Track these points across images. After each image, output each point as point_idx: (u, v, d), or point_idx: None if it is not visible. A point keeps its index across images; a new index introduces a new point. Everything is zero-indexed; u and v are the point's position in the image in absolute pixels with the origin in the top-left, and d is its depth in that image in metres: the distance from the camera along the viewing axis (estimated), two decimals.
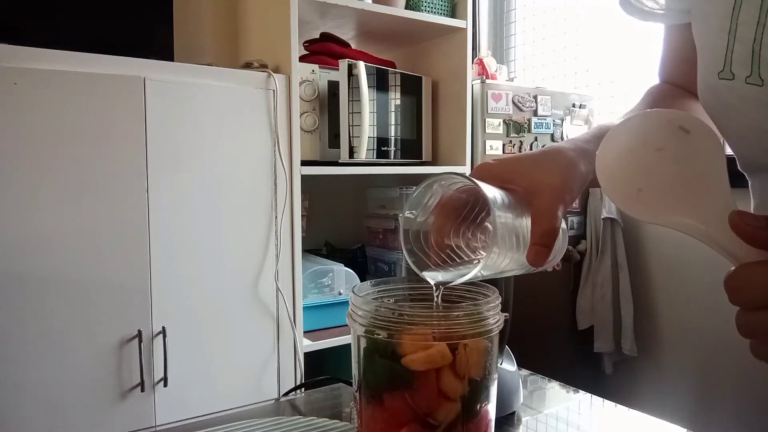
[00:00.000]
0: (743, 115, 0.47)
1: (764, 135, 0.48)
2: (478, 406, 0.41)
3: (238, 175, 1.41)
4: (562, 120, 2.22)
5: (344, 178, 1.98)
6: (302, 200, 1.54)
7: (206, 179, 1.36)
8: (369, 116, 1.60)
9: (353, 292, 0.44)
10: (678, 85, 0.67)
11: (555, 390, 0.68)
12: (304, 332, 1.54)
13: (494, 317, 0.42)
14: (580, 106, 2.22)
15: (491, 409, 0.43)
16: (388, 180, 1.93)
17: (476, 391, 0.41)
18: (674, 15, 0.61)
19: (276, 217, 1.47)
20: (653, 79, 0.73)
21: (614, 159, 0.39)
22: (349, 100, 1.58)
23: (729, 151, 0.52)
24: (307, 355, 1.53)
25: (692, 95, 0.63)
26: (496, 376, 0.43)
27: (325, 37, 1.74)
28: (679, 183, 0.37)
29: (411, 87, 1.78)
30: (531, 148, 2.14)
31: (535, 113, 2.16)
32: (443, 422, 0.40)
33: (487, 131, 2.04)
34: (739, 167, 0.58)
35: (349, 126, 1.58)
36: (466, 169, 1.82)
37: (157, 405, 1.31)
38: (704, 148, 0.37)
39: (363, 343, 0.42)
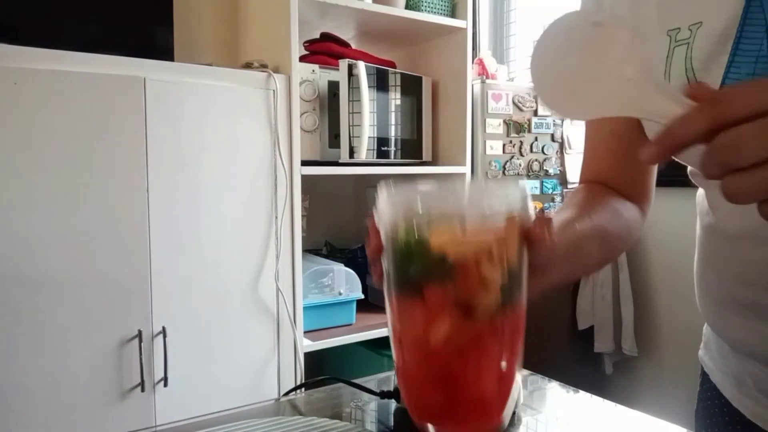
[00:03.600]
0: None
1: None
2: (516, 295, 0.42)
3: (238, 175, 1.41)
4: (562, 120, 2.22)
5: (344, 178, 1.98)
6: (302, 200, 1.54)
7: (206, 179, 1.36)
8: (369, 116, 1.60)
9: (382, 189, 0.43)
10: (602, 180, 0.70)
11: (555, 390, 0.68)
12: (304, 332, 1.54)
13: (527, 209, 0.43)
14: None
15: (524, 301, 0.43)
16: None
17: (514, 279, 0.42)
18: None
19: (276, 217, 1.47)
20: None
21: (545, 67, 0.42)
22: (349, 100, 1.58)
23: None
24: (307, 355, 1.53)
25: (614, 193, 0.67)
26: (526, 268, 0.43)
27: (325, 37, 1.74)
28: (604, 74, 0.40)
29: (411, 87, 1.78)
30: (531, 149, 2.15)
31: (535, 113, 2.16)
32: (485, 311, 0.40)
33: (487, 131, 2.04)
34: (689, 175, 0.65)
35: (349, 126, 1.58)
36: (467, 169, 1.82)
37: (157, 405, 1.31)
38: (619, 37, 0.40)
39: (402, 239, 0.41)
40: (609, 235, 0.62)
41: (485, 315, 0.40)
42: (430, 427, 0.45)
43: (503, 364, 0.42)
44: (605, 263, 0.49)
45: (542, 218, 0.43)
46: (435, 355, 0.41)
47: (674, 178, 0.84)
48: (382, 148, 1.70)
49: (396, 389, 0.61)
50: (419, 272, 0.41)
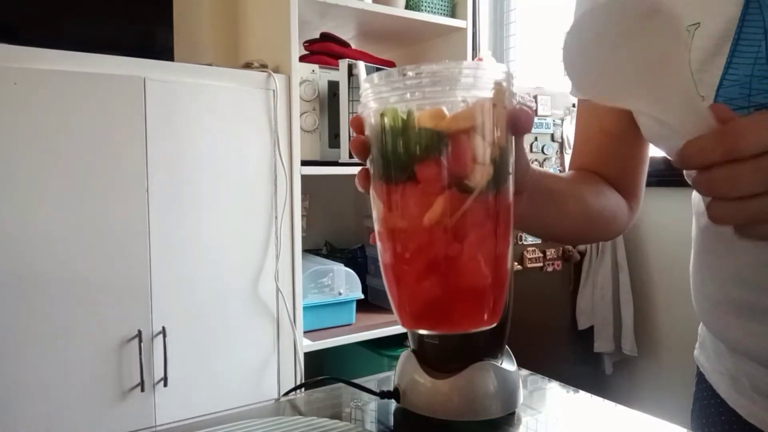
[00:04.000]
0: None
1: None
2: (505, 175, 0.43)
3: (238, 175, 1.41)
4: (562, 120, 2.22)
5: (344, 178, 1.97)
6: (302, 200, 1.54)
7: (206, 179, 1.36)
8: None
9: (366, 82, 0.43)
10: (592, 167, 0.70)
11: (555, 390, 0.68)
12: (304, 332, 1.54)
13: (510, 83, 0.43)
14: None
15: (512, 190, 0.44)
16: None
17: (504, 155, 0.42)
18: None
19: (276, 217, 1.47)
20: None
21: (579, 47, 0.40)
22: (349, 100, 1.57)
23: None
24: (307, 355, 1.53)
25: (604, 180, 0.68)
26: (513, 152, 0.44)
27: (325, 37, 1.74)
28: (641, 67, 0.38)
29: None
30: (531, 148, 2.15)
31: (535, 113, 2.16)
32: (478, 185, 0.41)
33: None
34: (685, 176, 0.64)
35: (349, 126, 1.58)
36: None
37: (157, 405, 1.31)
38: (668, 34, 0.38)
39: (392, 122, 0.41)
40: (589, 206, 0.63)
41: (478, 189, 0.41)
42: (422, 332, 0.46)
43: (497, 249, 0.42)
44: (581, 237, 0.49)
45: (525, 104, 0.44)
46: (430, 238, 0.41)
47: (675, 178, 0.84)
48: None
49: (396, 389, 0.61)
50: (412, 152, 0.41)
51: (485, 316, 0.43)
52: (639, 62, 0.38)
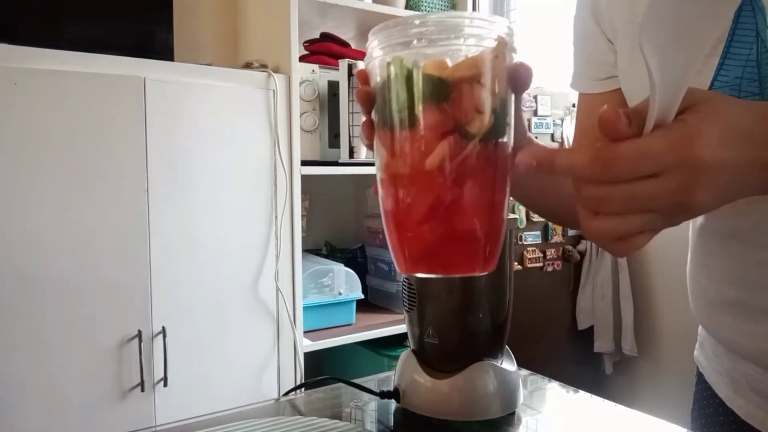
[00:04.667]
0: None
1: None
2: (504, 125, 0.44)
3: (238, 175, 1.41)
4: (562, 120, 2.22)
5: (344, 178, 1.98)
6: (302, 200, 1.54)
7: (206, 179, 1.36)
8: None
9: (373, 33, 0.45)
10: None
11: (555, 390, 0.68)
12: (304, 332, 1.54)
13: (512, 37, 0.45)
14: None
15: (511, 142, 0.45)
16: None
17: (504, 106, 0.44)
18: (614, 81, 0.66)
19: (276, 217, 1.47)
20: None
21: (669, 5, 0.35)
22: (349, 100, 1.57)
23: None
24: (307, 355, 1.53)
25: None
26: (513, 106, 0.46)
27: (325, 37, 1.74)
28: (681, 26, 0.34)
29: None
30: None
31: (535, 113, 2.16)
32: (479, 132, 0.42)
33: None
34: None
35: (349, 126, 1.58)
36: None
37: (157, 405, 1.31)
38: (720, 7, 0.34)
39: (398, 70, 0.43)
40: None
41: (479, 136, 0.42)
42: (420, 275, 0.47)
43: (494, 197, 0.44)
44: (577, 221, 0.49)
45: (524, 62, 0.45)
46: (430, 182, 0.43)
47: None
48: None
49: (396, 389, 0.61)
50: (416, 98, 0.42)
51: (481, 262, 0.45)
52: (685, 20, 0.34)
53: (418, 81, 0.42)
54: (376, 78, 0.45)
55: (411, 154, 0.43)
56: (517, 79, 0.44)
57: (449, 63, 0.42)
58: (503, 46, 0.43)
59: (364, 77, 0.47)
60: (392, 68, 0.43)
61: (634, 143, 0.34)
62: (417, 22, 0.43)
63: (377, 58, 0.45)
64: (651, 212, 0.35)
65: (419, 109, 0.42)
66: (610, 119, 0.34)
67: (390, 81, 0.44)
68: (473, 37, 0.42)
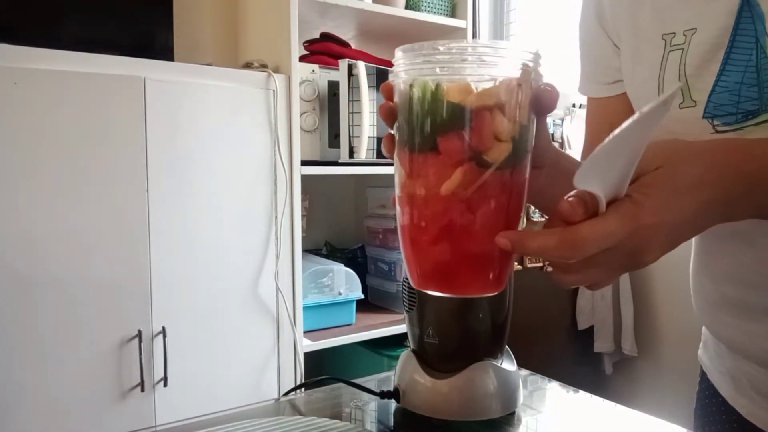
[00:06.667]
0: (683, 134, 0.53)
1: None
2: (523, 153, 0.44)
3: (238, 175, 1.41)
4: (562, 120, 2.22)
5: (344, 178, 1.98)
6: (302, 200, 1.54)
7: (206, 179, 1.36)
8: (369, 116, 1.60)
9: (399, 52, 0.45)
10: None
11: (555, 390, 0.68)
12: (304, 332, 1.54)
13: (538, 66, 0.45)
14: (580, 106, 2.22)
15: (528, 166, 0.46)
16: (388, 180, 1.92)
17: (523, 134, 0.44)
18: (620, 85, 0.67)
19: (276, 217, 1.47)
20: None
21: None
22: (349, 100, 1.58)
23: None
24: (307, 355, 1.53)
25: None
26: (533, 133, 0.46)
27: (325, 37, 1.74)
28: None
29: None
30: None
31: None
32: (496, 161, 0.43)
33: None
34: None
35: (349, 126, 1.58)
36: None
37: (157, 405, 1.31)
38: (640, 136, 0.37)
39: (421, 93, 0.43)
40: None
41: (496, 164, 0.43)
42: (430, 292, 0.48)
43: (508, 221, 0.44)
44: None
45: (550, 84, 0.45)
46: (445, 207, 0.44)
47: None
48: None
49: (396, 389, 0.61)
50: (436, 124, 0.43)
51: (489, 283, 0.46)
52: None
53: (439, 106, 0.42)
54: (400, 96, 0.45)
55: (427, 177, 0.44)
56: (541, 102, 0.45)
57: (474, 87, 0.42)
58: (527, 75, 0.43)
59: (389, 92, 0.47)
60: (415, 90, 0.44)
61: (595, 227, 0.38)
62: (443, 48, 0.43)
63: (401, 78, 0.45)
64: (607, 269, 0.41)
65: (438, 134, 0.43)
66: (567, 211, 0.38)
67: (412, 103, 0.44)
68: (497, 67, 0.42)
